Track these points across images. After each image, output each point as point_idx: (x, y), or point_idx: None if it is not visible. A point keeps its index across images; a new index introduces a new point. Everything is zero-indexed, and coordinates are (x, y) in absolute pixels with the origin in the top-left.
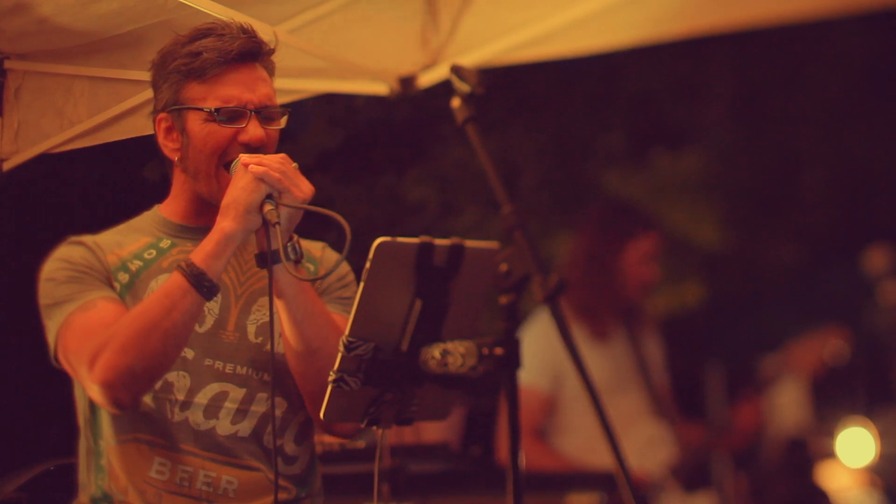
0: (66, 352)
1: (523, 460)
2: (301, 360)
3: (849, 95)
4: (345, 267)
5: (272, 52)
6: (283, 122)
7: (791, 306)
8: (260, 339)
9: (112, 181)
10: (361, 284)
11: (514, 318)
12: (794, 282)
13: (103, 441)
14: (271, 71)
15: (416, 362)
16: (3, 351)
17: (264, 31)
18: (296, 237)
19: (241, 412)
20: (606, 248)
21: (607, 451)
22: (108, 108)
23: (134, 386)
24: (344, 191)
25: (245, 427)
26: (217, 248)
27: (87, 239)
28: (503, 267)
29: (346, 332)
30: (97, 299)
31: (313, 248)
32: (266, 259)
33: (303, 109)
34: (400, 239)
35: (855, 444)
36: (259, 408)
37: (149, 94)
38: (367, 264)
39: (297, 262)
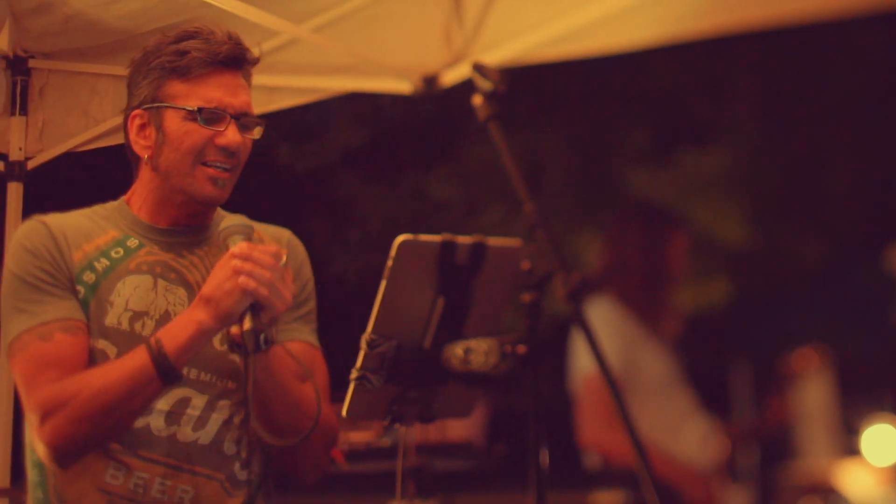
0: (17, 378)
1: (603, 446)
2: (269, 428)
3: (874, 93)
4: (306, 274)
5: (257, 61)
6: (257, 132)
7: (816, 303)
8: (224, 347)
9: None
10: (383, 282)
11: (537, 316)
12: (820, 279)
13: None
14: (250, 81)
15: (439, 360)
16: None
17: (287, 30)
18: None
19: (203, 419)
20: (658, 243)
21: (669, 441)
22: None
23: (80, 453)
24: (369, 189)
25: (206, 434)
26: (191, 341)
27: (53, 223)
28: (526, 265)
29: (369, 329)
30: (55, 328)
31: (282, 235)
32: (240, 347)
33: (328, 108)
34: (422, 237)
35: (880, 442)
36: (220, 415)
37: None
38: (389, 262)
39: (268, 349)
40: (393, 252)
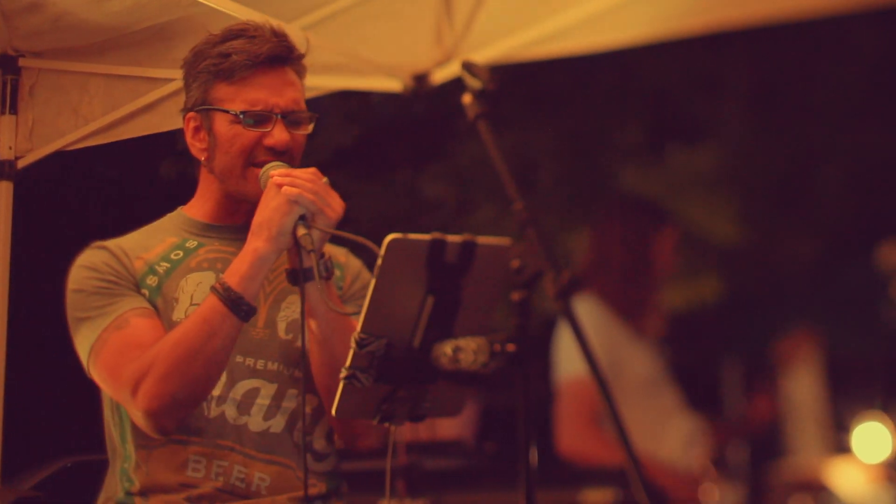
0: (103, 373)
1: (580, 451)
2: (326, 373)
3: (864, 91)
4: (367, 275)
5: (302, 56)
6: (310, 127)
7: (807, 301)
8: (290, 336)
9: (128, 178)
10: (373, 281)
11: (527, 315)
12: (810, 276)
13: (131, 445)
14: (301, 74)
15: (428, 359)
16: (19, 347)
17: (292, 32)
18: (327, 254)
19: (273, 408)
20: (640, 240)
21: (652, 442)
22: (124, 105)
23: (178, 412)
24: (361, 187)
25: (277, 423)
26: (252, 269)
27: (111, 244)
28: (515, 263)
29: (358, 328)
30: (129, 315)
31: (337, 253)
32: (297, 277)
33: (319, 106)
34: (411, 236)
35: (871, 440)
36: (290, 404)
37: (163, 91)
38: (379, 261)
39: (328, 278)
40: (382, 251)
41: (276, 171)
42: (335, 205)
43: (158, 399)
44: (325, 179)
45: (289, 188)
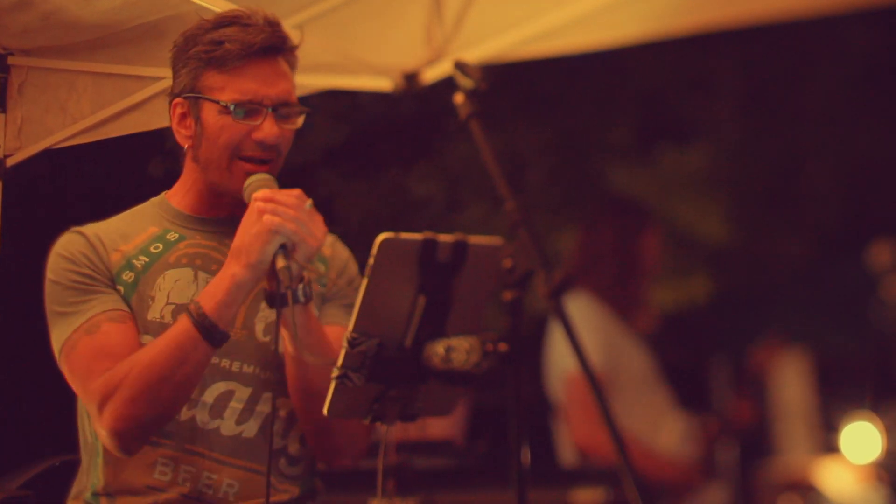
0: (72, 376)
1: (596, 446)
2: (302, 396)
3: (854, 91)
4: (353, 268)
5: (296, 47)
6: (299, 121)
7: (797, 301)
8: (267, 338)
9: (116, 177)
10: (365, 281)
11: (518, 314)
12: (800, 277)
13: (101, 442)
14: (293, 65)
15: (420, 358)
16: (7, 345)
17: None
18: (307, 277)
19: (247, 412)
20: (630, 237)
21: (650, 437)
22: (112, 103)
23: (142, 434)
24: (349, 186)
25: (250, 427)
26: (228, 296)
27: (90, 231)
28: (507, 263)
29: (350, 327)
30: (100, 318)
31: (323, 245)
32: (275, 300)
33: (308, 105)
34: (403, 235)
35: (860, 440)
36: (264, 408)
37: (152, 89)
38: (371, 261)
39: (307, 303)
40: (374, 250)
41: (259, 195)
42: (317, 232)
43: (124, 421)
44: (309, 202)
45: (270, 217)
